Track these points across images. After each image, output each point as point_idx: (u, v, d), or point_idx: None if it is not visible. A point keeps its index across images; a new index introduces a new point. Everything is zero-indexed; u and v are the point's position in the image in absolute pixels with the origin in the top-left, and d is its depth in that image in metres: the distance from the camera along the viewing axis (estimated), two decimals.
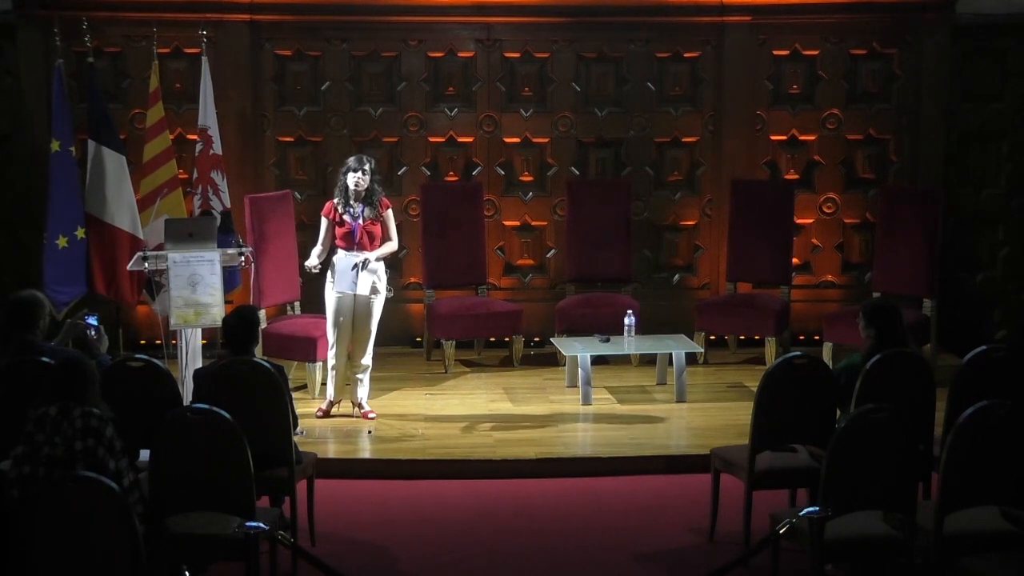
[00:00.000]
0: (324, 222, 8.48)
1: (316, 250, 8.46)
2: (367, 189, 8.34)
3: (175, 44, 10.04)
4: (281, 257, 9.39)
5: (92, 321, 6.83)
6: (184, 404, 6.39)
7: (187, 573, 5.63)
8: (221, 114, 9.72)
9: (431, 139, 10.42)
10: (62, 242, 9.20)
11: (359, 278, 8.27)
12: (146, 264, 8.29)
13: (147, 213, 9.31)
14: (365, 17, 10.19)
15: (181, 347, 8.26)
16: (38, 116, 9.83)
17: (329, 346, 8.51)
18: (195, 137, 9.62)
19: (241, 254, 8.50)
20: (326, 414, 8.60)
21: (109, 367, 6.46)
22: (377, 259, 8.38)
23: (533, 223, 10.57)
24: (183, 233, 8.28)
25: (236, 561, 5.67)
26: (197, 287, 8.15)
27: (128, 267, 8.66)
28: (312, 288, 9.91)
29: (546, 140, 10.48)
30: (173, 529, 5.66)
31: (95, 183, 9.28)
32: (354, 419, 8.56)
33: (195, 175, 9.53)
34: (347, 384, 8.63)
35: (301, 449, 6.75)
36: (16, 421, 5.52)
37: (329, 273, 8.42)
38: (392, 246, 8.49)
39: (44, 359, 6.16)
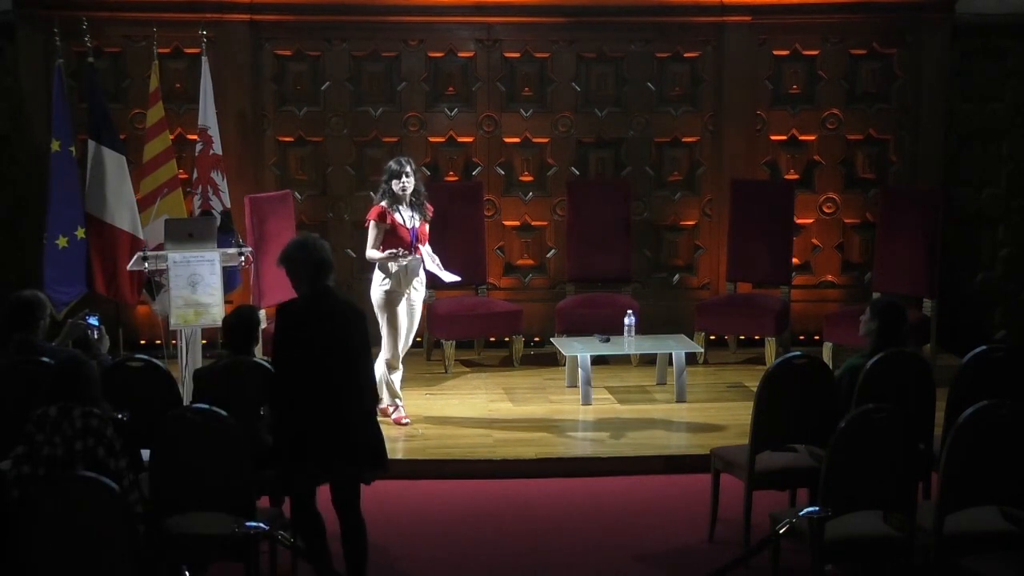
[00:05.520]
0: (377, 227, 8.20)
1: (380, 252, 8.18)
2: (415, 191, 8.29)
3: (175, 44, 10.04)
4: None
5: (93, 321, 6.84)
6: (184, 404, 6.39)
7: (187, 573, 5.64)
8: (221, 114, 9.72)
9: (431, 139, 10.41)
10: (62, 242, 9.19)
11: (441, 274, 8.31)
12: (146, 264, 8.30)
13: (147, 213, 9.31)
14: (365, 17, 10.18)
15: (181, 347, 8.26)
16: (38, 116, 9.82)
17: (402, 351, 8.36)
18: (195, 137, 9.62)
19: (241, 254, 8.50)
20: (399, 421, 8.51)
21: (109, 367, 6.46)
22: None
23: (533, 223, 10.57)
24: (183, 233, 8.28)
25: (236, 561, 5.67)
26: (197, 287, 8.15)
27: (128, 267, 8.68)
28: None
29: (546, 140, 10.48)
30: (173, 529, 5.67)
31: (95, 183, 9.27)
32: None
33: (195, 175, 9.53)
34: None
35: None
36: (16, 421, 5.52)
37: (384, 277, 8.22)
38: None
39: (44, 359, 6.16)
